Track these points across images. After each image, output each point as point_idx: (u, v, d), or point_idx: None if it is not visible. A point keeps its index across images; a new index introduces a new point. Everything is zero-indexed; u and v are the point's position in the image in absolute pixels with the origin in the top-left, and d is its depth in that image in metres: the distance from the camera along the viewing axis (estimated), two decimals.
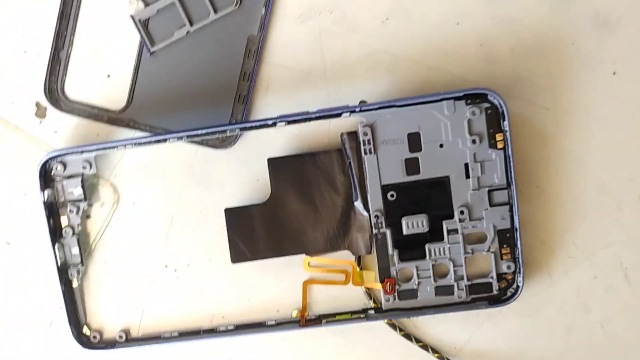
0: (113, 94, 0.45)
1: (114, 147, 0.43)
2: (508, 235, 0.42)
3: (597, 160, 0.44)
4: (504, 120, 0.41)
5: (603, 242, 0.44)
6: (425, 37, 0.44)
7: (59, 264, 0.44)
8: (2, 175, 0.46)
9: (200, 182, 0.45)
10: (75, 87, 0.45)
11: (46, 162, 0.43)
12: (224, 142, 0.45)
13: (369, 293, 0.45)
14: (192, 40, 0.44)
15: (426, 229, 0.42)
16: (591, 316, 0.45)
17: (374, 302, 0.45)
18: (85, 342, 0.46)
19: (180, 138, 0.43)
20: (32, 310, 0.47)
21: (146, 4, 0.44)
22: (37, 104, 0.46)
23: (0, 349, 0.47)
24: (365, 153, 0.42)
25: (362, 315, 0.44)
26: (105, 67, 0.45)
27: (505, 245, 0.42)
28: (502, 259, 0.43)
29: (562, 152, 0.44)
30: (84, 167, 0.44)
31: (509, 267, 0.43)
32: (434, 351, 0.45)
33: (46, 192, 0.44)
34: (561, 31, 0.43)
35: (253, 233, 0.43)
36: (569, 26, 0.43)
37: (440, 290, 0.43)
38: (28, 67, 0.45)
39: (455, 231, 0.42)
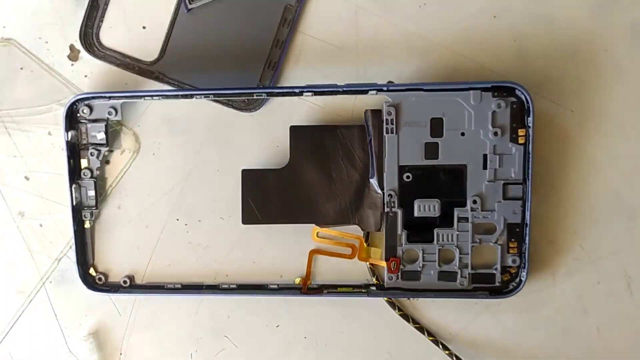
0: (146, 45, 0.46)
1: (141, 97, 0.44)
2: (517, 229, 0.43)
3: (615, 168, 0.44)
4: (528, 116, 0.41)
5: (610, 249, 0.45)
6: (460, 25, 0.44)
7: (74, 204, 0.45)
8: (29, 112, 0.47)
9: (221, 142, 0.46)
10: (109, 35, 0.46)
11: (73, 103, 0.44)
12: (249, 106, 0.45)
13: (373, 270, 0.45)
14: (230, 3, 0.45)
15: (437, 214, 0.43)
16: (589, 320, 0.45)
17: (377, 279, 0.45)
18: (90, 282, 0.47)
19: (207, 96, 0.43)
20: (42, 245, 0.48)
21: None
22: (71, 47, 0.47)
23: (2, 277, 0.48)
24: (387, 132, 0.43)
25: (363, 290, 0.45)
26: (141, 18, 0.46)
27: (513, 239, 0.43)
28: (508, 252, 0.43)
29: (581, 156, 0.44)
30: (109, 113, 0.45)
31: (514, 261, 0.43)
32: (429, 334, 0.45)
33: (70, 132, 0.45)
34: (596, 36, 0.44)
35: (267, 197, 0.44)
36: (605, 32, 0.44)
37: (443, 276, 0.44)
38: (66, 9, 0.46)
39: (466, 219, 0.43)
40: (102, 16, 0.46)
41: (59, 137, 0.46)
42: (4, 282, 0.48)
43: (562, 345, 0.46)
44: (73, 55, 0.47)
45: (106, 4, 0.46)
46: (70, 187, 0.45)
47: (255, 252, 0.46)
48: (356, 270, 0.46)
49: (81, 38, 0.46)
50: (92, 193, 0.46)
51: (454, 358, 0.45)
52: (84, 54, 0.46)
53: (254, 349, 0.47)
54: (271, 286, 0.46)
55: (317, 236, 0.45)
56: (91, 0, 0.46)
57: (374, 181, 0.44)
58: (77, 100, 0.44)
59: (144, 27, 0.46)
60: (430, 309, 0.46)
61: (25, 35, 0.46)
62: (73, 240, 0.46)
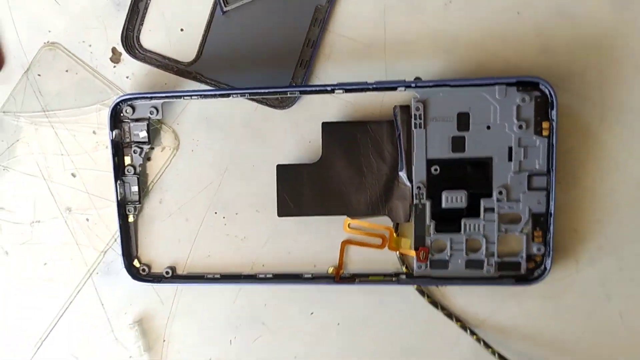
0: (184, 47, 0.48)
1: (180, 97, 0.46)
2: (542, 219, 0.44)
3: (637, 158, 0.45)
4: (552, 109, 0.43)
5: (633, 237, 0.46)
6: (485, 22, 0.45)
7: (118, 199, 0.48)
8: (75, 112, 0.49)
9: (256, 138, 0.48)
10: (149, 37, 0.48)
11: (117, 103, 0.46)
12: (283, 103, 0.47)
13: (403, 259, 0.47)
14: (263, 5, 0.46)
15: (464, 205, 0.44)
16: (612, 305, 0.46)
17: (406, 268, 0.47)
18: (134, 273, 0.49)
19: (243, 95, 0.45)
20: (89, 239, 0.50)
21: None
22: (113, 50, 0.49)
23: (52, 269, 0.50)
24: (415, 127, 0.44)
25: (393, 279, 0.47)
26: (179, 21, 0.48)
27: (537, 228, 0.44)
28: (533, 241, 0.45)
29: (603, 147, 0.45)
30: (151, 112, 0.47)
31: (539, 250, 0.45)
32: (458, 320, 0.47)
33: (114, 131, 0.47)
34: (618, 30, 0.44)
35: (300, 190, 0.46)
36: (627, 26, 0.44)
37: (471, 264, 0.45)
38: (108, 14, 0.48)
39: (492, 210, 0.44)
40: (142, 20, 0.48)
41: (103, 136, 0.49)
42: (54, 274, 0.51)
43: (585, 331, 0.47)
44: (115, 58, 0.49)
45: (146, 8, 0.48)
46: (115, 183, 0.47)
47: (290, 243, 0.48)
48: (386, 260, 0.47)
49: (123, 41, 0.48)
50: (135, 189, 0.48)
51: (482, 343, 0.46)
52: (125, 56, 0.48)
53: (290, 335, 0.49)
54: (305, 275, 0.48)
55: (349, 227, 0.47)
56: (132, 5, 0.48)
57: (403, 174, 0.45)
58: (120, 101, 0.46)
59: (181, 30, 0.48)
60: (458, 296, 0.47)
61: (69, 39, 0.48)
62: (118, 234, 0.48)
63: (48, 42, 0.49)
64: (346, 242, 0.47)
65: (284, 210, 0.46)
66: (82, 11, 0.48)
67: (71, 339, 0.51)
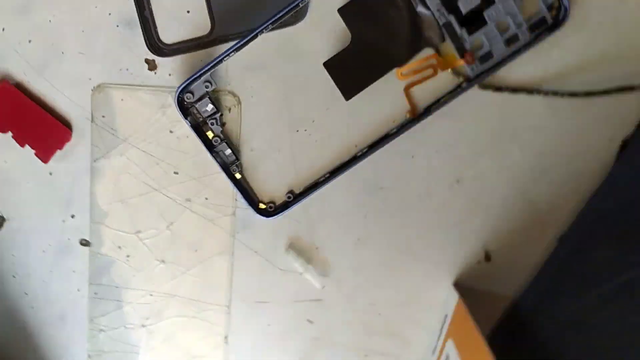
0: (198, 23, 0.53)
1: (220, 61, 0.52)
2: None
3: None
4: None
5: None
6: None
7: (222, 166, 0.55)
8: (146, 126, 0.56)
9: (294, 57, 0.54)
10: (167, 33, 0.53)
11: (178, 96, 0.53)
12: (297, 18, 0.53)
13: (457, 71, 0.53)
14: None
15: (478, 1, 0.51)
16: (628, 5, 0.52)
17: (463, 76, 0.54)
18: (265, 213, 0.56)
19: (266, 29, 0.51)
20: (217, 211, 0.58)
21: None
22: (146, 60, 0.55)
23: (203, 251, 0.59)
24: None
25: (458, 89, 0.54)
26: (182, 6, 0.53)
27: None
28: None
29: None
30: (206, 87, 0.54)
31: None
32: (523, 89, 0.53)
33: (188, 119, 0.54)
34: None
35: (352, 70, 0.53)
36: None
37: (509, 41, 0.52)
38: (125, 35, 0.54)
39: None
40: (154, 23, 0.54)
41: (179, 130, 0.55)
42: (207, 254, 0.58)
43: (619, 39, 0.53)
44: (152, 66, 0.55)
45: (151, 13, 0.54)
46: (212, 155, 0.55)
47: (366, 116, 0.54)
48: (444, 82, 0.54)
49: (149, 49, 0.54)
50: (228, 151, 0.55)
51: (550, 94, 0.53)
52: (158, 59, 0.54)
53: (406, 183, 0.56)
54: (391, 131, 0.55)
55: (402, 75, 0.54)
56: (140, 17, 0.53)
57: (420, 9, 0.52)
58: (179, 93, 0.52)
59: (188, 12, 0.53)
60: (513, 74, 0.52)
61: (109, 74, 0.54)
62: (236, 192, 0.56)
63: (94, 87, 0.55)
64: (407, 87, 0.54)
65: (347, 93, 0.53)
66: (104, 47, 0.54)
67: (250, 293, 0.58)
